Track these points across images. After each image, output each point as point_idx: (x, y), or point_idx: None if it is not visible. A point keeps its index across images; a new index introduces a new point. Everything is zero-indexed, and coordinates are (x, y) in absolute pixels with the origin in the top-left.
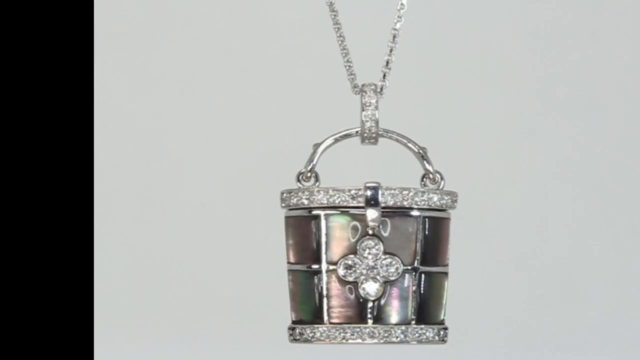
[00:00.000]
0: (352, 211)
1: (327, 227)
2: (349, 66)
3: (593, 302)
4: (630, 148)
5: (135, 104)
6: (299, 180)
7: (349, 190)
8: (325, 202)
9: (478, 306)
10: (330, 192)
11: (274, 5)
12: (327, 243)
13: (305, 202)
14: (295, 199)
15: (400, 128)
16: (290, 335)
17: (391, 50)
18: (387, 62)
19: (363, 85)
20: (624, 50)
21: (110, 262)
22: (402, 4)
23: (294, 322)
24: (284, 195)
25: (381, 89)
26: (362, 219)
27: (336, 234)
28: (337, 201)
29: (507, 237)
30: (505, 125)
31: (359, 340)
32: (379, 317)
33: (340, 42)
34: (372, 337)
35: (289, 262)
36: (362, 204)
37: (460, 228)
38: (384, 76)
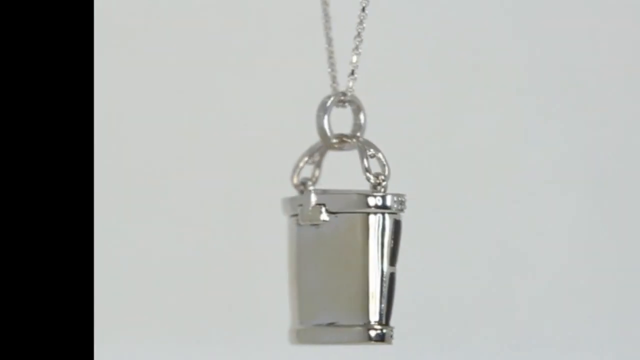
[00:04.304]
0: None
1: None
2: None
3: (593, 302)
4: (627, 145)
5: (135, 103)
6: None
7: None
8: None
9: (478, 306)
10: (401, 198)
11: (272, 5)
12: None
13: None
14: (399, 203)
15: (387, 128)
16: (392, 336)
17: (356, 49)
18: (353, 71)
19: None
20: (622, 51)
21: (111, 262)
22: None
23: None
24: (400, 199)
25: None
26: None
27: None
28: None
29: (506, 237)
30: (497, 125)
31: None
32: None
33: (329, 50)
34: None
35: (388, 265)
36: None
37: (460, 228)
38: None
